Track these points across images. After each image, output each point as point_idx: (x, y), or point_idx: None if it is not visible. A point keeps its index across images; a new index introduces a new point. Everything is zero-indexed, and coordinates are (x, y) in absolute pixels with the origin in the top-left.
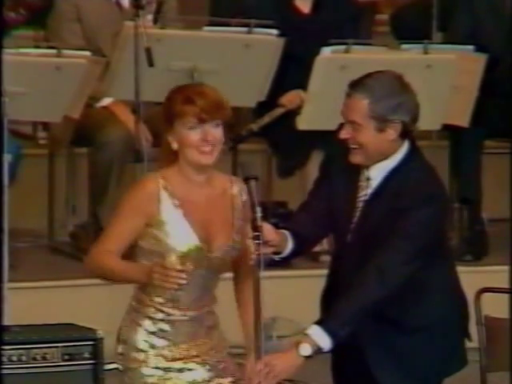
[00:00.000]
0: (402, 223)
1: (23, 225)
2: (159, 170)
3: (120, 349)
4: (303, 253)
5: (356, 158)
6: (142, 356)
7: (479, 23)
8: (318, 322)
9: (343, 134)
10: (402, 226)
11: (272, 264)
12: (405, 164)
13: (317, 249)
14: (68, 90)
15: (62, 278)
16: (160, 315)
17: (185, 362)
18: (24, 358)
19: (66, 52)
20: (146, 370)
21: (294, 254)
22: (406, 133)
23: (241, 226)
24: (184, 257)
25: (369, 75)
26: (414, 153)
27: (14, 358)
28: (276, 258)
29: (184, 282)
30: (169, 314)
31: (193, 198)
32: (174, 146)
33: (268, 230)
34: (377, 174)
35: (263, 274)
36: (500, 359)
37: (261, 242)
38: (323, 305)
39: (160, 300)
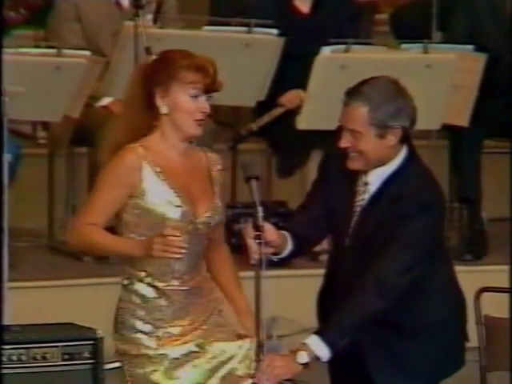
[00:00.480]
0: (401, 232)
1: (23, 224)
2: (138, 140)
3: (119, 332)
4: (302, 254)
5: (355, 165)
6: (140, 336)
7: (478, 23)
8: (317, 332)
9: (343, 143)
10: (401, 234)
11: (270, 264)
12: (403, 169)
13: (316, 248)
14: (68, 89)
15: (61, 277)
16: (152, 292)
17: (184, 342)
18: (24, 358)
19: (65, 52)
20: (148, 365)
21: (293, 254)
22: (406, 138)
23: (219, 193)
24: (171, 222)
25: (364, 82)
26: (412, 158)
27: (14, 358)
28: (275, 258)
29: (184, 250)
30: (162, 287)
31: (174, 165)
32: (164, 110)
33: (269, 230)
34: (375, 179)
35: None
36: (500, 359)
37: (262, 241)
38: (319, 306)
39: (152, 271)
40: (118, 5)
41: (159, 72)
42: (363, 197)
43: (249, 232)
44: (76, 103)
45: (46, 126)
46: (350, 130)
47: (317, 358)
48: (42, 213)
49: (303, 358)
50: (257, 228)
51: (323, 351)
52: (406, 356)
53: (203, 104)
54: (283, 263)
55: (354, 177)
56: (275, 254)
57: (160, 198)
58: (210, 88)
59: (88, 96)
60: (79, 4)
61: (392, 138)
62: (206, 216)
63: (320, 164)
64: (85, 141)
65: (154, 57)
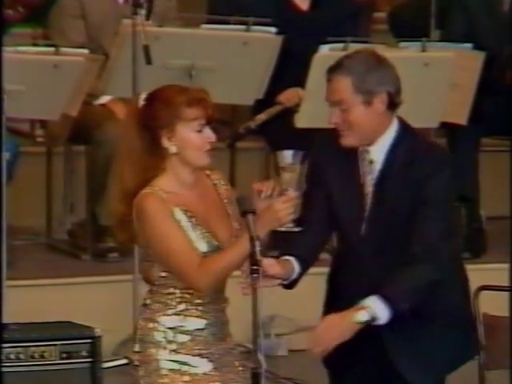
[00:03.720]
0: (426, 192)
1: (21, 222)
2: (152, 184)
3: (137, 347)
4: (310, 267)
5: (348, 141)
6: (160, 351)
7: (475, 21)
8: (378, 294)
9: (333, 119)
10: (427, 195)
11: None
12: (403, 137)
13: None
14: (66, 87)
15: (59, 275)
16: (182, 306)
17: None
18: (22, 357)
19: (63, 50)
20: (162, 363)
21: (302, 274)
22: (392, 105)
23: (233, 212)
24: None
25: (345, 57)
26: (406, 128)
27: (12, 357)
28: (284, 283)
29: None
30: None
31: (190, 202)
32: (173, 150)
33: (270, 265)
34: (378, 153)
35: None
36: (499, 357)
37: (259, 275)
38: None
39: (180, 293)
40: (126, 2)
41: (161, 114)
42: (372, 176)
43: (245, 269)
44: (74, 101)
45: (44, 124)
46: (336, 104)
47: (374, 319)
48: (39, 211)
49: (363, 316)
50: (254, 262)
51: (383, 312)
52: (423, 339)
53: (209, 135)
54: (294, 285)
55: (353, 162)
56: (283, 279)
57: (192, 235)
58: (211, 118)
59: (86, 94)
60: (83, 1)
61: (379, 106)
62: (228, 244)
63: (308, 172)
64: (83, 139)
65: (142, 98)
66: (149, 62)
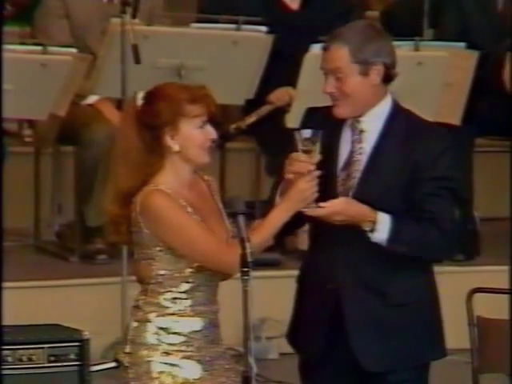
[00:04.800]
0: (432, 166)
1: (9, 224)
2: (154, 182)
3: (128, 349)
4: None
5: (342, 111)
6: (151, 353)
7: (468, 20)
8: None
9: (328, 88)
10: (436, 168)
11: (262, 264)
12: (398, 110)
13: (304, 247)
14: (54, 87)
15: (47, 277)
16: (175, 307)
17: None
18: (10, 359)
19: (51, 49)
20: (153, 365)
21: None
22: (388, 77)
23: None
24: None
25: (343, 27)
26: (399, 104)
27: None
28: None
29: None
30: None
31: (190, 201)
32: (176, 148)
33: None
34: (370, 124)
35: (253, 274)
36: (492, 361)
37: (250, 277)
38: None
39: (174, 295)
40: (109, 1)
41: (163, 112)
42: (361, 145)
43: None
44: (62, 101)
45: (32, 124)
46: (333, 72)
47: (371, 231)
48: (27, 212)
49: (367, 226)
50: (245, 264)
51: (382, 233)
52: (388, 325)
53: (210, 131)
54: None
55: (338, 132)
56: None
57: None
58: (214, 115)
59: (74, 94)
60: (68, 1)
61: (375, 77)
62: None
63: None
64: (71, 139)
65: (139, 97)
66: (138, 61)
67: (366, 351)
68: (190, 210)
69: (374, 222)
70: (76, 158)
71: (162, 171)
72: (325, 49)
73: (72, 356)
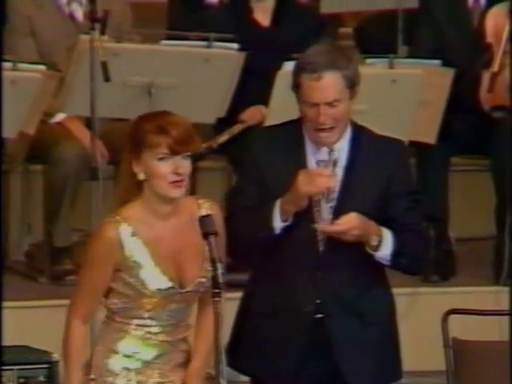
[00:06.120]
0: (404, 181)
1: None
2: (118, 210)
3: (93, 375)
4: None
5: (332, 138)
6: (116, 379)
7: (443, 37)
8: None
9: (322, 119)
10: (407, 183)
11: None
12: (358, 128)
13: None
14: (23, 104)
15: (16, 298)
16: (139, 332)
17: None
18: None
19: (20, 66)
20: None
21: None
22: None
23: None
24: (155, 297)
25: (319, 53)
26: (354, 121)
27: None
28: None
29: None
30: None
31: (159, 233)
32: (141, 176)
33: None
34: (339, 144)
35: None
36: (468, 382)
37: (221, 299)
38: None
39: (138, 322)
40: (73, 18)
41: (130, 139)
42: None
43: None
44: (31, 119)
45: (0, 142)
46: (328, 103)
47: (377, 246)
48: None
49: (375, 240)
50: (216, 285)
51: (387, 248)
52: (368, 343)
53: (174, 166)
54: None
55: (299, 155)
56: None
57: (146, 274)
58: (176, 149)
59: (43, 112)
60: (33, 18)
61: (355, 97)
62: (194, 284)
63: (247, 170)
64: (40, 158)
65: None
66: (107, 79)
67: (355, 372)
68: (150, 248)
69: (380, 236)
70: (45, 176)
71: (136, 199)
72: (316, 79)
73: (41, 378)
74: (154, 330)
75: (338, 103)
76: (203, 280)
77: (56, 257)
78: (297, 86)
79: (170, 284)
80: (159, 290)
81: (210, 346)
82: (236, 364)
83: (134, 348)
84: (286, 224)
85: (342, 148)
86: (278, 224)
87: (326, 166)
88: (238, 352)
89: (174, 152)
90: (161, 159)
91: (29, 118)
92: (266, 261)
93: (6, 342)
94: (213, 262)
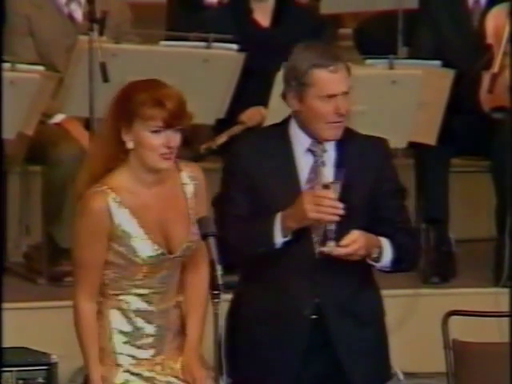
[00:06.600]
0: (392, 179)
1: None
2: (103, 180)
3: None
4: None
5: (340, 131)
6: (114, 359)
7: (443, 38)
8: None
9: (343, 109)
10: (395, 181)
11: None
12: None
13: None
14: (22, 105)
15: (15, 300)
16: (133, 304)
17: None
18: None
19: (19, 66)
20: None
21: None
22: None
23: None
24: (146, 265)
25: (322, 49)
26: None
27: None
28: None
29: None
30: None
31: (145, 201)
32: (130, 145)
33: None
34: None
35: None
36: None
37: (220, 300)
38: None
39: (130, 291)
40: (72, 18)
41: (121, 107)
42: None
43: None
44: (30, 120)
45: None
46: (345, 92)
47: (377, 257)
48: None
49: (375, 252)
50: (215, 287)
51: (387, 257)
52: (365, 343)
53: (166, 139)
54: None
55: (287, 157)
56: None
57: (135, 242)
58: (171, 122)
59: (41, 113)
60: (31, 18)
61: None
62: (181, 249)
63: (235, 178)
64: (38, 159)
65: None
66: (106, 79)
67: (356, 372)
68: (137, 216)
69: (379, 247)
70: (44, 177)
71: (122, 167)
72: (334, 71)
73: (40, 380)
74: (147, 298)
75: (348, 95)
76: (190, 244)
77: (54, 258)
78: (305, 85)
79: (159, 251)
80: (150, 257)
81: (203, 315)
82: (232, 373)
83: (131, 323)
84: (286, 239)
85: (330, 148)
86: (279, 240)
87: (331, 186)
88: (234, 361)
89: (168, 125)
90: (154, 132)
91: (27, 118)
92: (259, 266)
93: (5, 343)
94: (212, 263)
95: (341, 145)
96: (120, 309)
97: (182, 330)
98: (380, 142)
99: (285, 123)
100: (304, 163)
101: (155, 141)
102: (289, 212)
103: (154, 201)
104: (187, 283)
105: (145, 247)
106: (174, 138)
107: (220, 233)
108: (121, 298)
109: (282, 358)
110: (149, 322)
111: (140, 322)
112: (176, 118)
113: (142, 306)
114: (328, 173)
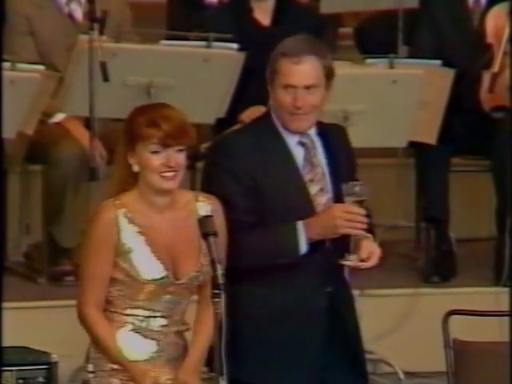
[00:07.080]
0: (355, 163)
1: None
2: (116, 196)
3: (90, 367)
4: None
5: (304, 125)
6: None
7: (444, 37)
8: None
9: (299, 102)
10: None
11: None
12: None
13: None
14: (22, 104)
15: (15, 299)
16: (134, 323)
17: None
18: None
19: (19, 66)
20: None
21: None
22: None
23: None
24: (149, 284)
25: (299, 40)
26: None
27: None
28: None
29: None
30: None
31: (155, 224)
32: (135, 168)
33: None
34: (312, 132)
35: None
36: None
37: (221, 300)
38: None
39: (132, 312)
40: (72, 18)
41: (126, 131)
42: (315, 158)
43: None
44: (30, 119)
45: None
46: (308, 87)
47: None
48: None
49: None
50: (216, 286)
51: None
52: (353, 356)
53: (166, 159)
54: None
55: (285, 152)
56: None
57: (140, 260)
58: (168, 142)
59: (41, 112)
60: (31, 17)
61: (330, 89)
62: (188, 277)
63: (232, 181)
64: (39, 158)
65: None
66: (106, 79)
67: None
68: (145, 237)
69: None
70: (44, 177)
71: (134, 190)
72: (296, 62)
73: (40, 379)
74: (148, 320)
75: (314, 89)
76: (198, 274)
77: (55, 257)
78: (274, 72)
79: (164, 273)
80: (154, 279)
81: (206, 344)
82: (234, 374)
83: (128, 340)
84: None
85: (315, 139)
86: (304, 250)
87: (356, 200)
88: (237, 361)
89: (165, 145)
90: (153, 152)
91: (27, 118)
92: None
93: (5, 342)
94: (212, 262)
95: (321, 134)
96: (120, 327)
97: (178, 359)
98: (340, 128)
99: (267, 116)
100: (296, 155)
101: (155, 161)
102: (313, 223)
103: (164, 225)
104: (199, 316)
105: (150, 267)
106: (175, 157)
107: (230, 240)
108: (122, 317)
109: (300, 355)
110: (145, 337)
111: (137, 341)
112: (173, 137)
113: (142, 325)
114: (321, 161)
